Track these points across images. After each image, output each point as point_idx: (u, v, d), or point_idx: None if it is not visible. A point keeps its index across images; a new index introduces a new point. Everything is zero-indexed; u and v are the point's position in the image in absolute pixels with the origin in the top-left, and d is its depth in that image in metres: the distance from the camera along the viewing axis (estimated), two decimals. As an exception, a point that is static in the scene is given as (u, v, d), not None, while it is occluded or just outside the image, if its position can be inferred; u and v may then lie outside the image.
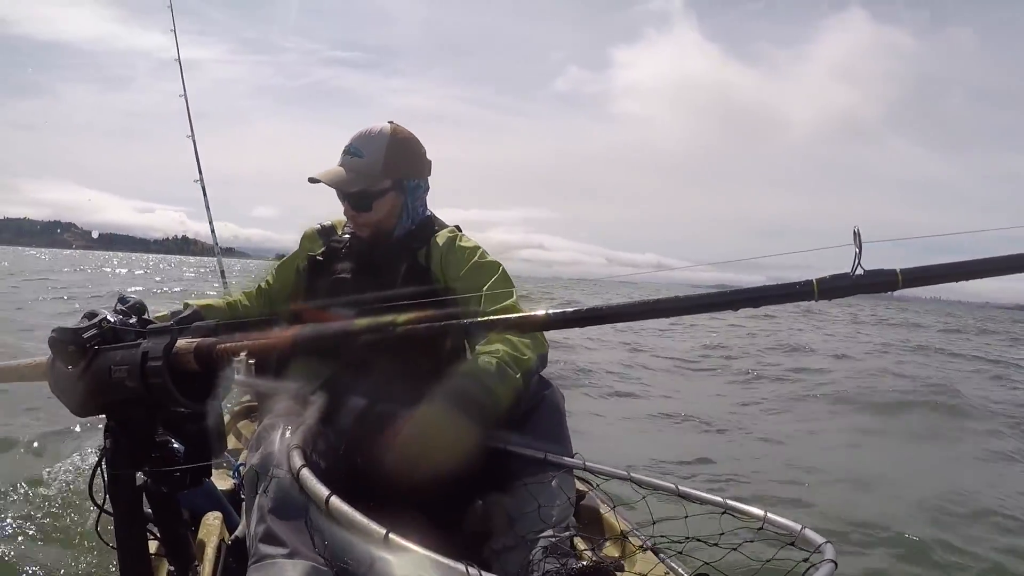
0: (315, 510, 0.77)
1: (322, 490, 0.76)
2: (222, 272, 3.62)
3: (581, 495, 1.57)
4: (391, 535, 0.67)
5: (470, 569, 0.63)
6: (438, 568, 0.64)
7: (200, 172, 3.80)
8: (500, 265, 1.58)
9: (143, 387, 0.86)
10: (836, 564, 0.81)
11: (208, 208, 3.89)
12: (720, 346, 10.09)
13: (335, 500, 0.73)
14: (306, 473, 0.79)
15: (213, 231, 3.90)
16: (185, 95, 3.65)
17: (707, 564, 1.04)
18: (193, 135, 3.74)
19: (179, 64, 3.69)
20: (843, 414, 5.45)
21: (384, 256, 1.62)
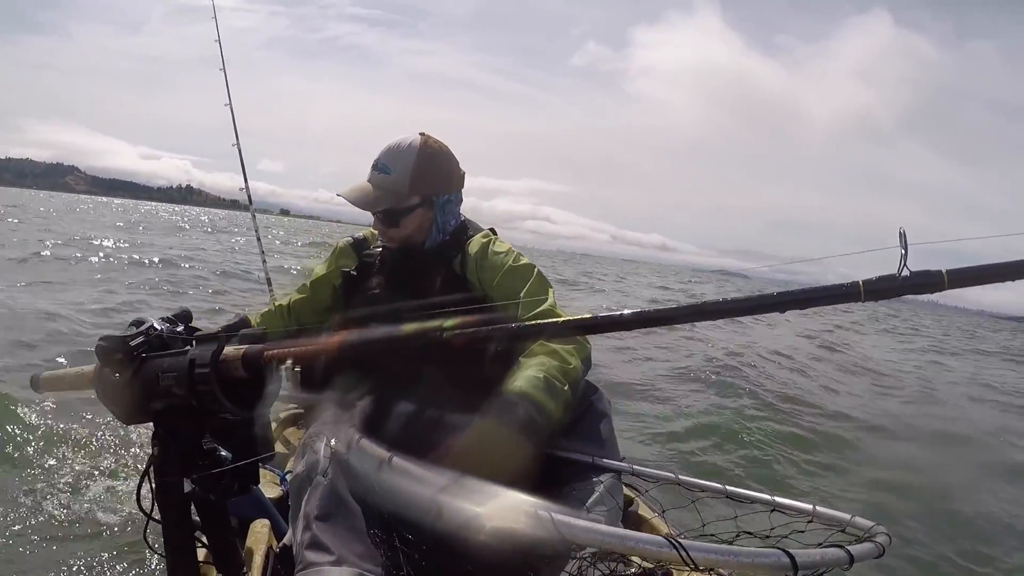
0: (373, 484, 0.80)
1: (383, 451, 0.78)
2: (268, 280, 3.58)
3: (629, 501, 1.56)
4: (458, 480, 0.69)
5: (540, 511, 0.64)
6: (516, 511, 0.65)
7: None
8: (534, 267, 1.56)
9: (191, 394, 0.85)
10: (890, 538, 0.81)
11: (250, 200, 3.69)
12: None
13: (397, 459, 0.75)
14: (365, 441, 0.80)
15: (259, 239, 3.75)
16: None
17: None
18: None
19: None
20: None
21: (418, 268, 1.60)
